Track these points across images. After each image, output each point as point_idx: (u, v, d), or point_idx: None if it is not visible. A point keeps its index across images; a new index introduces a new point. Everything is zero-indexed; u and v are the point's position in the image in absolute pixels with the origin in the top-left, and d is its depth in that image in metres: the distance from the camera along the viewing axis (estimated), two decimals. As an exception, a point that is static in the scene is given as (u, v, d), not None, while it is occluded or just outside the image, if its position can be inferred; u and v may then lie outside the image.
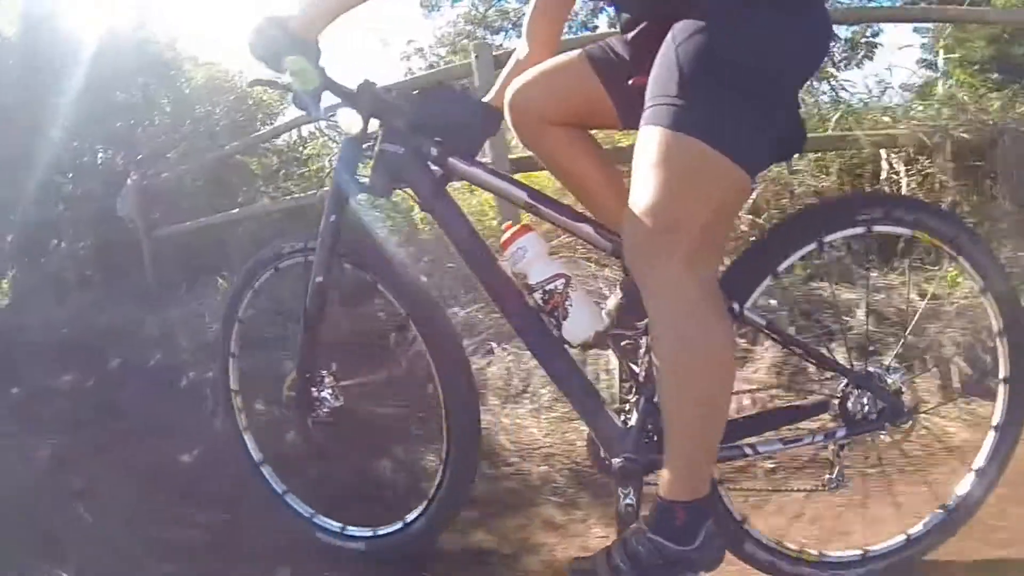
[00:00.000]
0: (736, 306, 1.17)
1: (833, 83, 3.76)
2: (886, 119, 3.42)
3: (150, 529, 1.73)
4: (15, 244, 6.83)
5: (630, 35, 1.22)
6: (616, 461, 1.17)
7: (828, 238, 1.18)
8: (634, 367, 1.24)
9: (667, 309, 1.01)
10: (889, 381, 1.22)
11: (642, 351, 1.22)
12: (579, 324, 1.20)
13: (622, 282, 1.30)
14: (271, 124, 6.27)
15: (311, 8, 1.16)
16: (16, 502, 1.99)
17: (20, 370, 3.80)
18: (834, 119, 3.49)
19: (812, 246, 1.18)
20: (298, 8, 1.16)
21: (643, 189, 0.98)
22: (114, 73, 6.01)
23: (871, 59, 3.73)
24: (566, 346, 1.23)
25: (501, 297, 1.24)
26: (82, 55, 5.83)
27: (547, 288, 1.20)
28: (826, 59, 1.22)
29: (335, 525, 1.50)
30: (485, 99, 1.43)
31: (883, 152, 3.12)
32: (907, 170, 3.10)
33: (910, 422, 1.24)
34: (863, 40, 3.77)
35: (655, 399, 1.20)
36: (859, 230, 1.18)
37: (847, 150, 3.16)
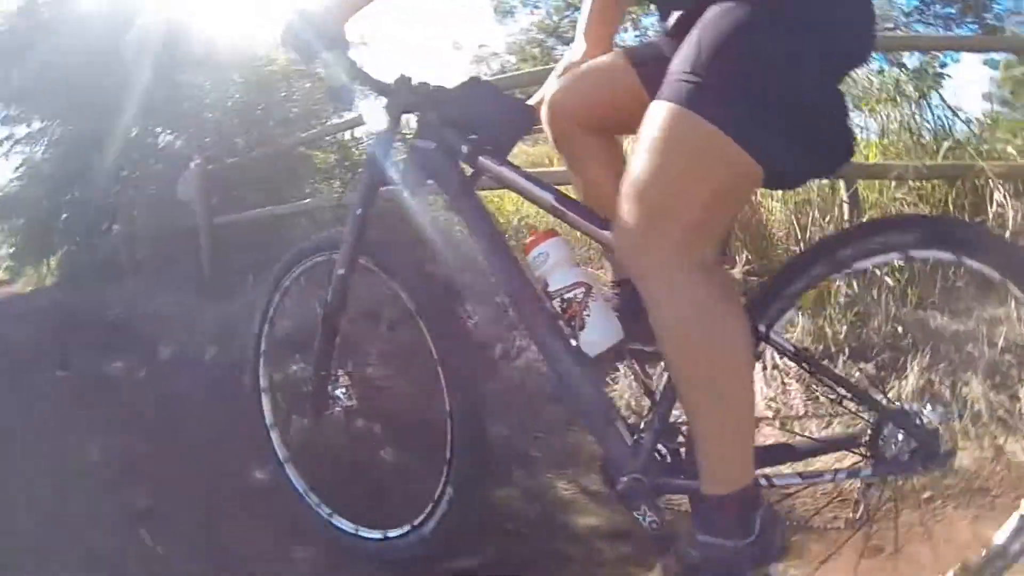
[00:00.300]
0: (763, 328, 1.17)
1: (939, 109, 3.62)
2: (1011, 151, 3.27)
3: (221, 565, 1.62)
4: (68, 223, 7.16)
5: (669, 24, 1.24)
6: (622, 481, 1.20)
7: (858, 265, 1.16)
8: (649, 384, 1.26)
9: (665, 296, 1.02)
10: (925, 419, 1.19)
11: (660, 368, 1.23)
12: (596, 335, 1.24)
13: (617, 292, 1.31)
14: (341, 117, 6.41)
15: (336, 1, 1.25)
16: (67, 514, 1.85)
17: (68, 352, 3.80)
18: (945, 147, 3.36)
19: (845, 272, 1.18)
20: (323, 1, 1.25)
21: (641, 166, 1.01)
22: (184, 53, 6.26)
23: (937, 91, 3.60)
24: (582, 357, 1.25)
25: (519, 302, 1.30)
26: (151, 34, 6.08)
27: (566, 296, 1.24)
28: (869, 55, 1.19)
29: (349, 525, 1.61)
30: (531, 100, 1.48)
31: (991, 183, 3.00)
32: (1014, 204, 2.98)
33: (946, 466, 1.20)
34: (932, 71, 3.64)
35: (670, 419, 1.21)
36: (893, 256, 1.16)
37: (959, 179, 3.05)
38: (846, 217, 2.94)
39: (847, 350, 2.16)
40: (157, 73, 6.11)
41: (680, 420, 1.24)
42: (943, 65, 3.74)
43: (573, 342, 1.25)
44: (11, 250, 9.22)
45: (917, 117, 3.61)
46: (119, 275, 6.20)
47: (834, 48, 1.05)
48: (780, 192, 3.17)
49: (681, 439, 1.24)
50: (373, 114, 1.33)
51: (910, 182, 3.07)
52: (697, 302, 1.01)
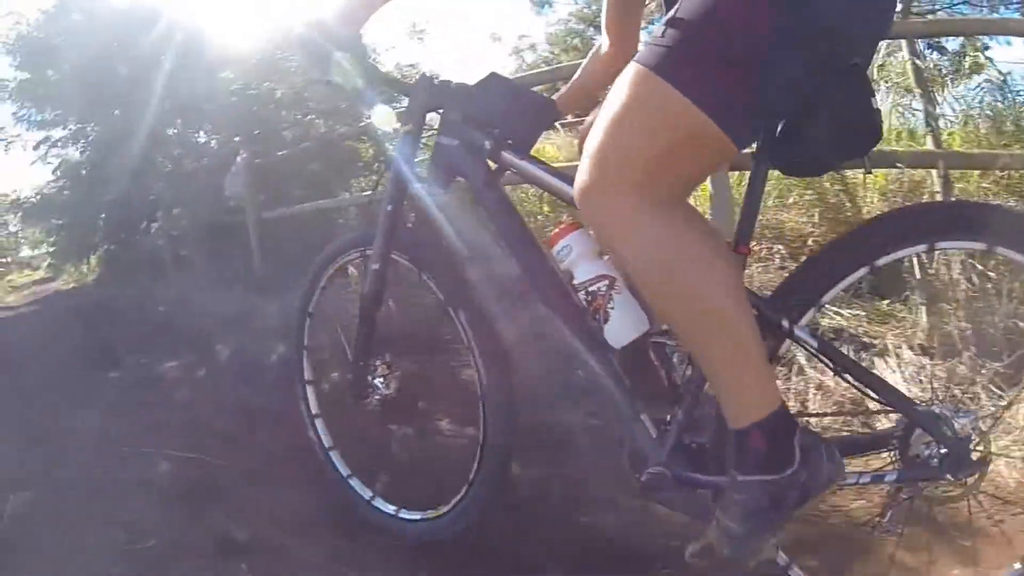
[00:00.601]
0: (786, 325, 1.21)
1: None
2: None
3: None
4: (108, 222, 7.46)
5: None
6: (647, 473, 1.28)
7: (882, 260, 1.20)
8: (674, 377, 1.32)
9: (627, 242, 1.09)
10: (957, 425, 1.20)
11: (684, 361, 1.29)
12: (620, 328, 1.32)
13: None
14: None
15: (349, 5, 1.35)
16: (147, 550, 1.64)
17: (118, 351, 3.74)
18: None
19: (865, 269, 1.22)
20: (336, 7, 1.35)
21: (601, 122, 1.10)
22: (222, 47, 6.49)
23: (978, 74, 3.55)
24: (608, 350, 1.33)
25: (546, 294, 1.39)
26: (185, 30, 6.31)
27: (590, 289, 1.33)
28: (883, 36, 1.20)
29: (390, 507, 1.77)
30: (558, 94, 1.56)
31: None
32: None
33: (976, 475, 1.20)
34: (973, 55, 3.57)
35: (695, 413, 1.27)
36: (920, 247, 1.20)
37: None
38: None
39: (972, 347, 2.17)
40: (194, 70, 6.32)
41: (705, 413, 1.30)
42: (986, 48, 3.68)
43: (600, 335, 1.32)
44: (51, 249, 9.67)
45: (998, 103, 3.56)
46: (162, 272, 6.40)
47: (831, 29, 1.07)
48: (876, 182, 3.17)
49: (707, 433, 1.30)
50: (383, 116, 1.43)
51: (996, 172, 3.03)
52: (662, 239, 1.07)
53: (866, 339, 2.45)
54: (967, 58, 3.77)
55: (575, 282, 1.34)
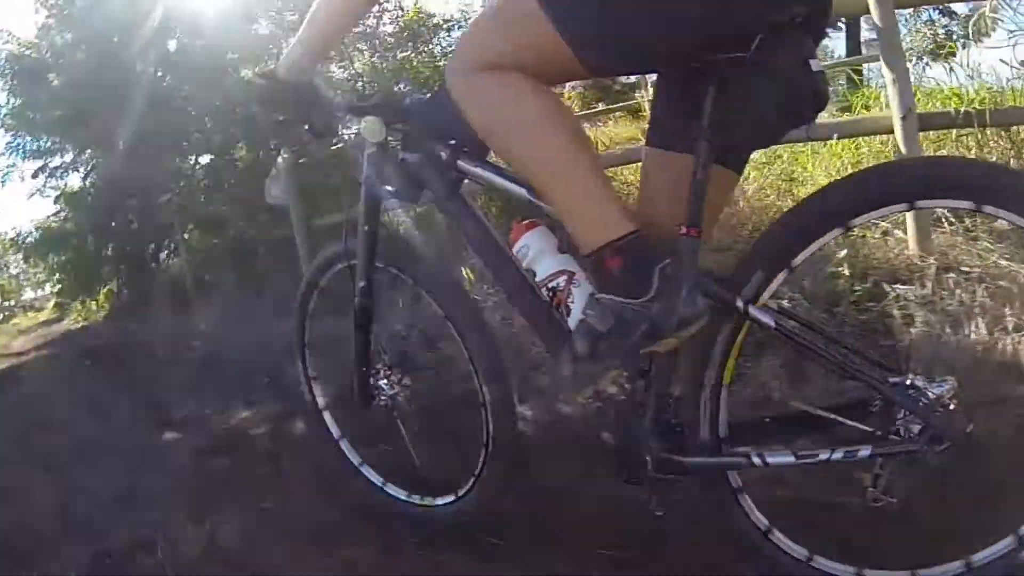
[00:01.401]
0: (741, 304, 1.36)
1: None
2: None
3: None
4: (117, 251, 7.67)
5: None
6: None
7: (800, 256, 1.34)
8: (642, 365, 1.49)
9: (474, 102, 1.37)
10: (932, 395, 1.28)
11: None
12: None
13: None
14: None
15: (298, 49, 1.62)
16: None
17: (165, 403, 3.33)
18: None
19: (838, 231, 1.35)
20: (286, 57, 1.66)
21: (476, 20, 1.43)
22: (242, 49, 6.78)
23: (989, 35, 3.42)
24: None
25: (514, 295, 1.62)
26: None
27: (550, 285, 1.54)
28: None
29: (427, 500, 2.02)
30: None
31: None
32: None
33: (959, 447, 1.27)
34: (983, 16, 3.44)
35: (667, 394, 1.44)
36: (837, 231, 1.33)
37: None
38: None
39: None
40: (211, 71, 6.59)
41: (676, 393, 1.51)
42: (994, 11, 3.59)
43: (567, 328, 1.54)
44: (56, 287, 9.95)
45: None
46: (184, 303, 6.36)
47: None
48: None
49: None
50: (371, 128, 1.69)
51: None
52: (500, 100, 1.34)
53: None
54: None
55: (537, 279, 1.56)
